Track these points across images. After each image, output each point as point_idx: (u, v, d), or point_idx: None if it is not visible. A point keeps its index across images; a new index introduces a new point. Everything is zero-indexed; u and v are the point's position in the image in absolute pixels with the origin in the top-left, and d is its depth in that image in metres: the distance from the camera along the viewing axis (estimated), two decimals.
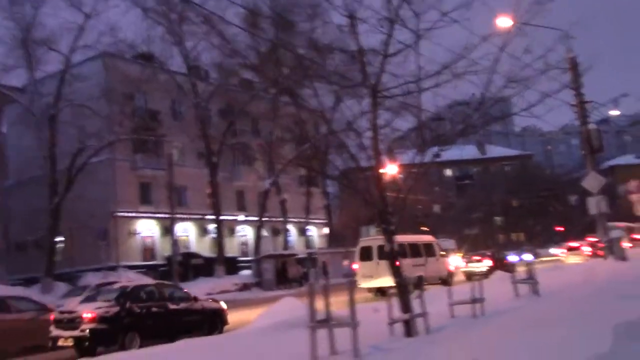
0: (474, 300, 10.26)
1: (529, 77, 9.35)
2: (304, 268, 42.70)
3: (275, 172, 42.85)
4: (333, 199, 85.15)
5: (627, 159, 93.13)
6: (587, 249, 35.28)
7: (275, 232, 50.27)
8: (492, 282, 14.50)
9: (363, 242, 26.95)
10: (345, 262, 48.69)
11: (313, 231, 56.67)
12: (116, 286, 14.85)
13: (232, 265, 42.34)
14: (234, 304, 28.65)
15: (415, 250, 26.35)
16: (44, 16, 37.60)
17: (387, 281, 20.74)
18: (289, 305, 11.95)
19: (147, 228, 42.31)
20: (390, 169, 12.35)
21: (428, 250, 27.43)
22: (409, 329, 8.50)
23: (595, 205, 23.02)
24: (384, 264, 21.99)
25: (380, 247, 23.00)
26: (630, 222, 45.07)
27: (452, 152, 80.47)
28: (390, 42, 8.80)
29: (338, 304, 8.54)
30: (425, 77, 8.92)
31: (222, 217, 41.38)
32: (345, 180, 10.02)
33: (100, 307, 12.63)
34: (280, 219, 47.58)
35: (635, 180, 46.28)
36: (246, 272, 41.78)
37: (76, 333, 12.16)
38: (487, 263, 34.40)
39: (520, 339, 6.77)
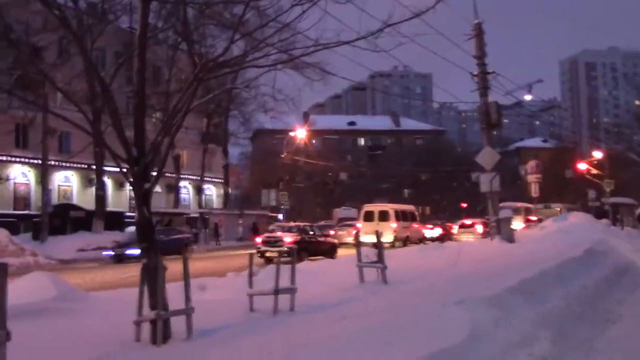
0: (276, 292, 7.95)
1: None
2: (193, 228, 40.11)
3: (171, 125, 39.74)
4: (242, 160, 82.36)
5: (534, 142, 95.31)
6: (480, 228, 34.70)
7: (170, 188, 47.31)
8: (347, 263, 12.51)
9: (367, 207, 33.99)
10: (241, 225, 46.54)
11: (212, 191, 54.04)
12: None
13: (116, 221, 39.49)
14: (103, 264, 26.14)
15: (403, 216, 33.84)
16: None
17: (386, 238, 28.52)
18: (36, 284, 9.07)
19: (21, 174, 38.49)
20: None
21: (412, 216, 35.54)
22: (155, 333, 6.22)
23: (487, 182, 21.68)
24: (382, 224, 30.73)
25: (380, 212, 32.76)
26: (528, 203, 44.99)
27: (366, 122, 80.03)
28: None
29: None
30: None
31: (106, 168, 37.99)
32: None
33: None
34: (174, 175, 44.73)
35: (533, 160, 46.06)
36: (133, 229, 38.99)
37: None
38: (438, 231, 40.25)
39: None
